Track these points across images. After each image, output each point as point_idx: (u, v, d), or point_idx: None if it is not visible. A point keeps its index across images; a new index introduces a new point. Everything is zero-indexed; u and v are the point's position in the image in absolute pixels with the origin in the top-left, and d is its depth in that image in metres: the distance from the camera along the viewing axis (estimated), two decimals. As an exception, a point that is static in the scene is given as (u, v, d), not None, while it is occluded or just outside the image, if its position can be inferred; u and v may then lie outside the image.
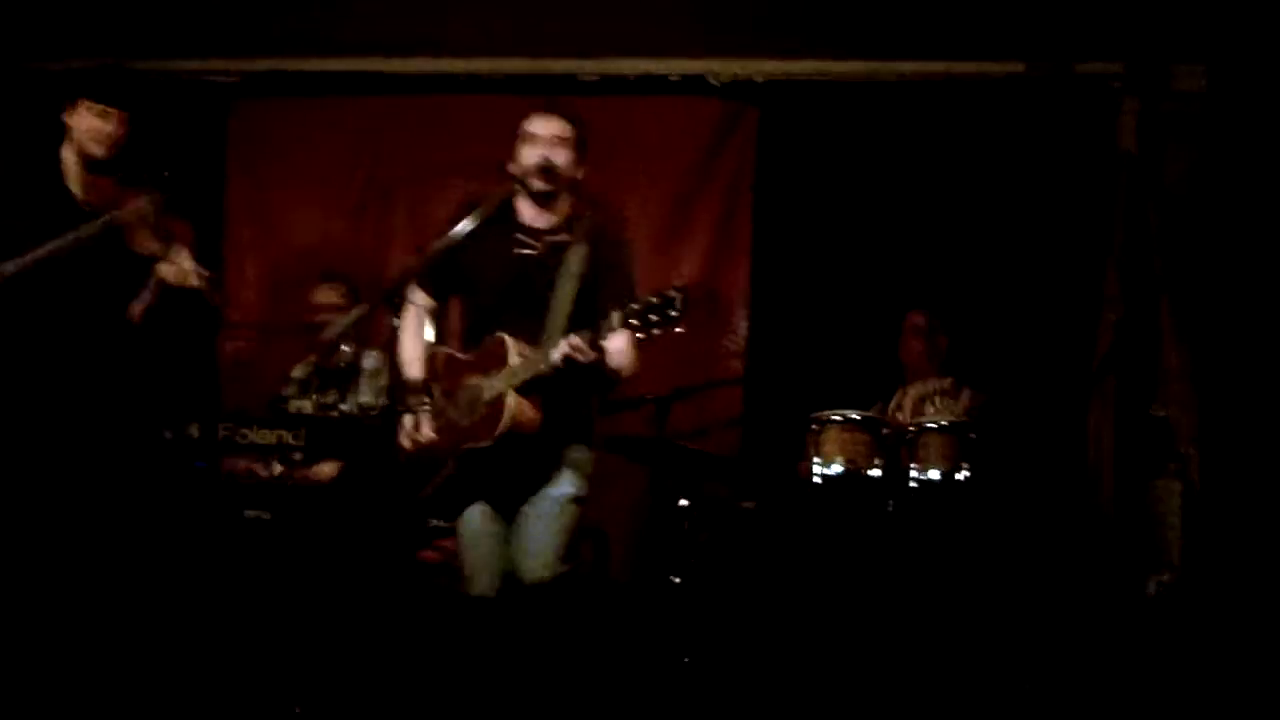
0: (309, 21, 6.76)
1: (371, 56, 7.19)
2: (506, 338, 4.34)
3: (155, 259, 4.67)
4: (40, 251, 4.49)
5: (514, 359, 4.29)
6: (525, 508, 4.47)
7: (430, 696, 4.80)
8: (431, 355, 4.63)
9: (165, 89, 7.00)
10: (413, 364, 4.61)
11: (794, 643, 5.40)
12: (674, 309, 3.90)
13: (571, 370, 4.18)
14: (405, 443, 4.53)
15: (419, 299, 4.65)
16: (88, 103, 4.66)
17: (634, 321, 3.95)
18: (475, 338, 4.54)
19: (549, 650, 4.39)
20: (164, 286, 4.69)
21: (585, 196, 4.66)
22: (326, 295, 6.29)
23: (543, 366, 4.19)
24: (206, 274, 4.69)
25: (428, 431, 4.48)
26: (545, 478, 4.48)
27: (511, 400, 4.25)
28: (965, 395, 6.21)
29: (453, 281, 4.64)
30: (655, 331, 3.96)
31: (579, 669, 4.55)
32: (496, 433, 4.25)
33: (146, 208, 4.60)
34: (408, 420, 4.52)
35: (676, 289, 3.93)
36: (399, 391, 4.67)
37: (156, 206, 4.64)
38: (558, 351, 4.14)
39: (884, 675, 5.20)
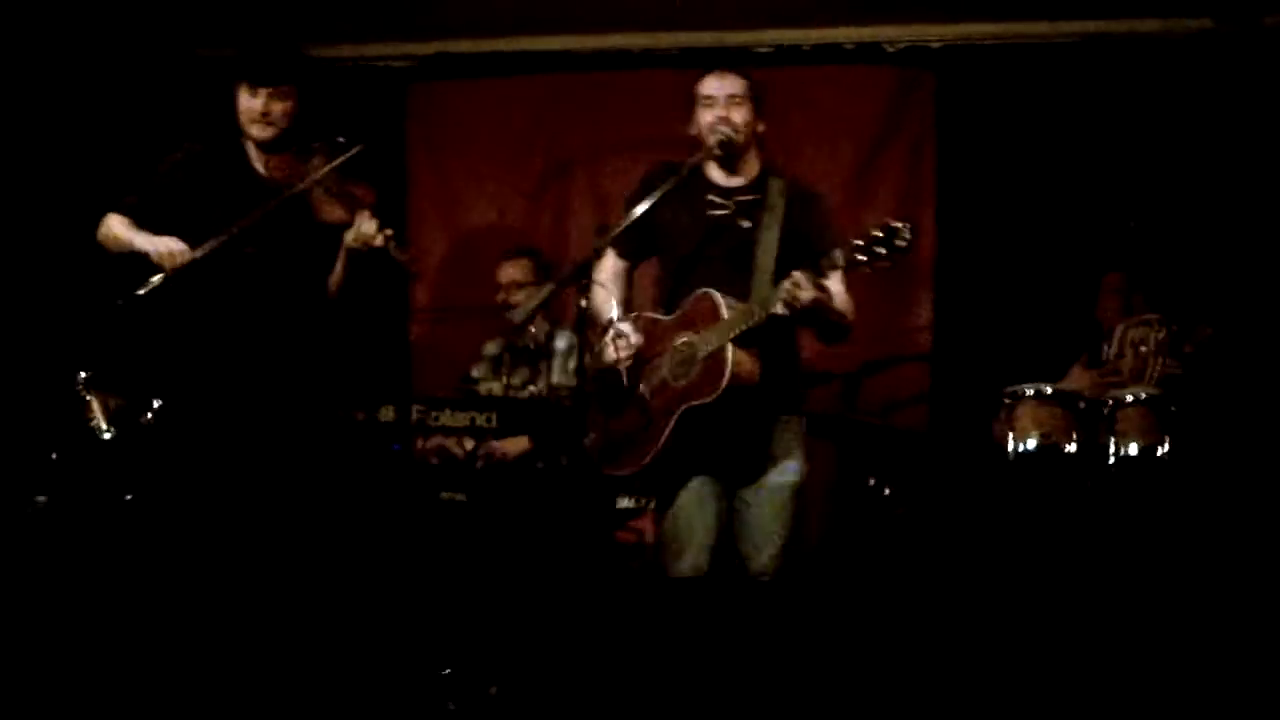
0: (480, 3, 6.80)
1: (544, 35, 7.23)
2: (715, 294, 4.27)
3: (343, 226, 4.67)
4: (231, 229, 4.53)
5: (725, 312, 4.22)
6: (749, 493, 4.42)
7: (633, 682, 4.80)
8: (634, 319, 4.52)
9: (340, 75, 7.10)
10: (611, 307, 4.48)
11: (989, 625, 5.30)
12: (900, 238, 3.83)
13: (795, 314, 4.11)
14: (618, 355, 4.39)
15: (610, 262, 4.57)
16: (244, 85, 4.65)
17: (860, 256, 3.90)
18: (674, 301, 4.46)
19: (764, 641, 4.36)
20: (351, 253, 4.68)
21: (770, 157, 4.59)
22: (512, 272, 6.28)
23: (761, 314, 4.12)
24: (389, 233, 4.65)
25: (637, 337, 4.39)
26: (765, 445, 4.41)
27: (731, 352, 4.17)
28: (1168, 331, 6.00)
29: (646, 246, 4.57)
30: (885, 264, 3.89)
31: (785, 657, 4.51)
32: (721, 385, 4.16)
33: (326, 173, 4.61)
34: (619, 331, 4.38)
35: (898, 220, 3.88)
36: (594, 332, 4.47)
37: (336, 172, 4.62)
38: (783, 292, 4.06)
39: (1083, 660, 5.10)
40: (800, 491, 4.46)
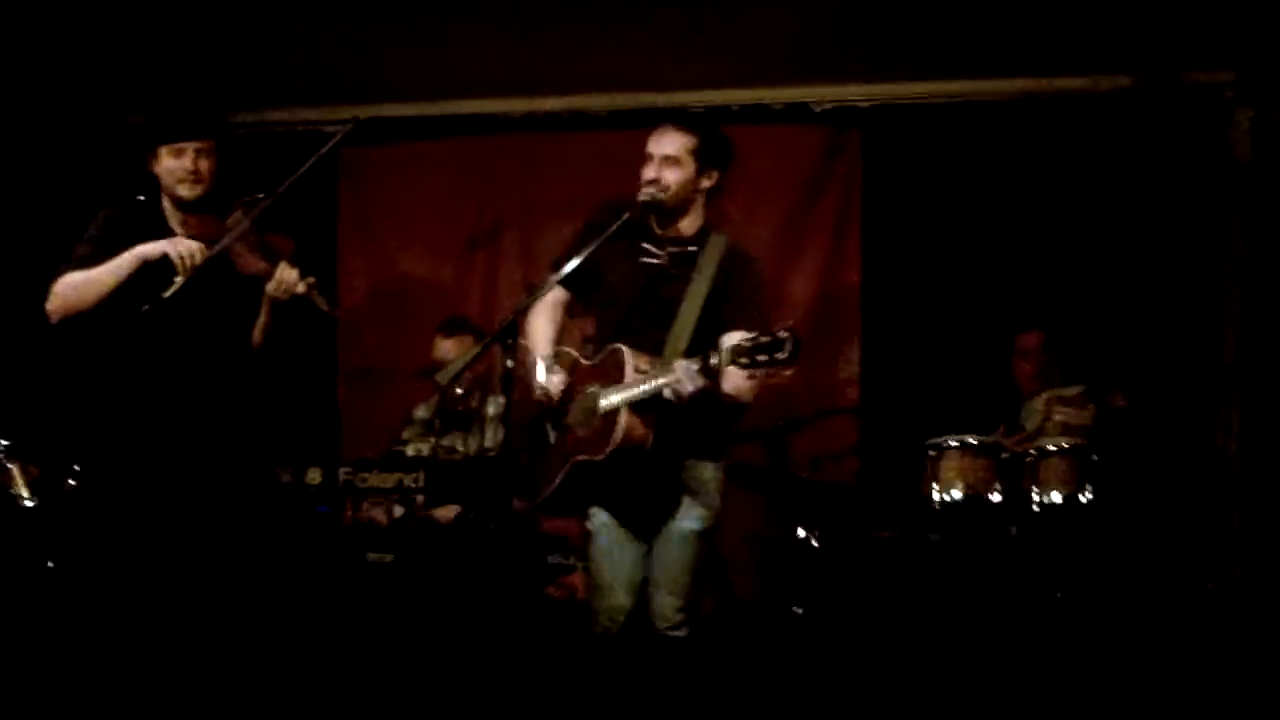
0: (411, 66, 6.85)
1: (474, 98, 7.27)
2: (625, 350, 4.26)
3: (264, 278, 4.65)
4: (220, 246, 4.53)
5: (630, 374, 4.22)
6: (657, 540, 4.43)
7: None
8: (559, 355, 4.53)
9: (270, 140, 7.12)
10: (543, 342, 4.52)
11: (919, 670, 5.32)
12: (781, 351, 3.81)
13: (686, 398, 4.10)
14: (537, 391, 4.43)
15: (556, 294, 4.58)
16: (168, 146, 4.66)
17: (743, 360, 3.89)
18: (601, 345, 4.47)
19: (679, 692, 4.35)
20: (275, 303, 4.68)
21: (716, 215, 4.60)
22: (450, 347, 6.22)
23: (651, 389, 4.12)
24: (312, 280, 4.65)
25: (557, 382, 4.41)
26: (667, 498, 4.41)
27: (624, 417, 4.18)
28: (1091, 408, 6.08)
29: (587, 284, 4.56)
30: (765, 371, 3.90)
31: (706, 702, 4.51)
32: (607, 449, 4.19)
33: (245, 227, 4.61)
34: (540, 370, 4.42)
35: (786, 330, 3.82)
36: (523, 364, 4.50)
37: (255, 225, 4.61)
38: (672, 379, 4.06)
39: (1013, 703, 5.12)
40: (705, 536, 4.45)
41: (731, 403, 4.31)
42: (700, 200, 4.51)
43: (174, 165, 4.65)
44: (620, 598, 4.41)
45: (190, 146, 4.65)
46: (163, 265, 4.51)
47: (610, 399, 4.24)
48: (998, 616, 5.38)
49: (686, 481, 4.44)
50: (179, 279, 4.47)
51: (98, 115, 7.19)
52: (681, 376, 4.05)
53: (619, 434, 4.18)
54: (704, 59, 6.75)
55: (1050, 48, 6.48)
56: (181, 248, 4.51)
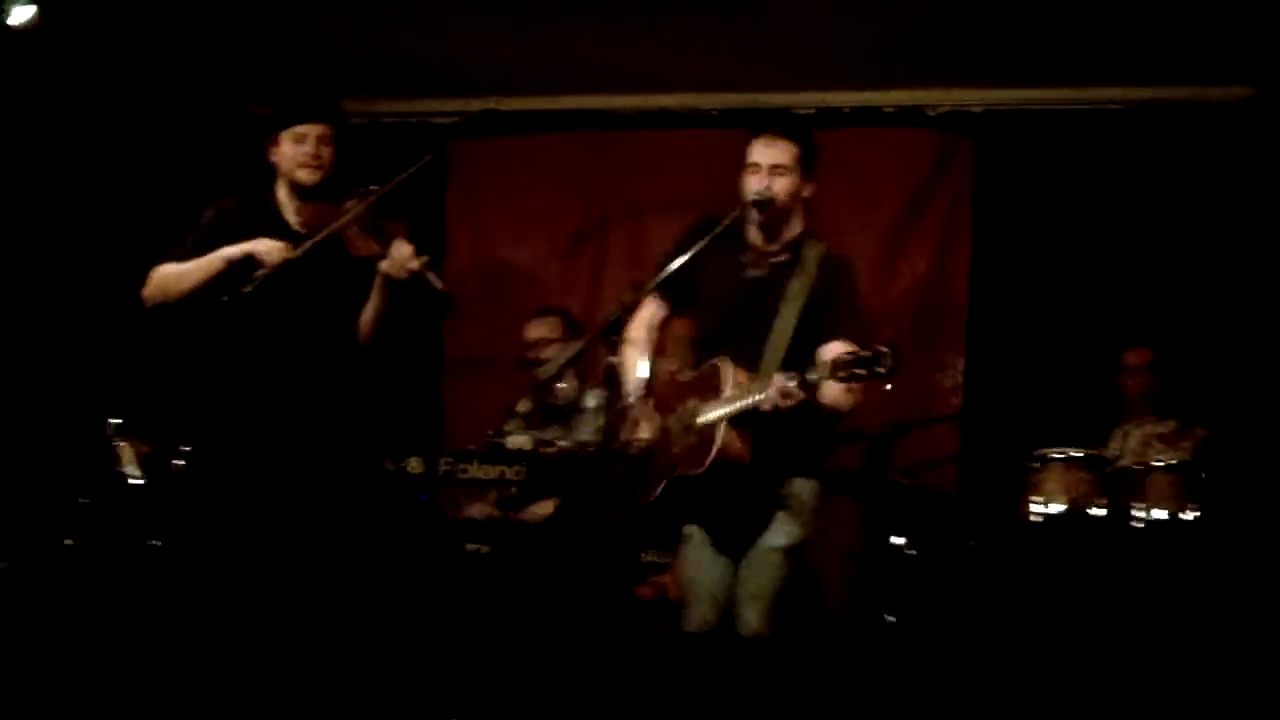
0: (522, 61, 6.88)
1: (584, 94, 7.31)
2: (723, 364, 4.29)
3: (377, 260, 4.71)
4: (317, 237, 4.61)
5: (728, 389, 4.24)
6: (746, 555, 4.42)
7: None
8: (655, 370, 4.57)
9: (381, 131, 7.20)
10: (640, 368, 4.55)
11: (1013, 687, 5.26)
12: (880, 365, 3.80)
13: (781, 410, 4.08)
14: (626, 438, 4.48)
15: (654, 309, 4.62)
16: (286, 131, 4.74)
17: (841, 374, 3.88)
18: (699, 358, 4.50)
19: (765, 697, 4.34)
20: (389, 282, 4.73)
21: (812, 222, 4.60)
22: (540, 330, 6.35)
23: (750, 403, 4.13)
24: (426, 258, 4.69)
25: (645, 434, 4.46)
26: (761, 515, 4.41)
27: (721, 432, 4.20)
28: (1190, 439, 5.99)
29: (686, 296, 4.59)
30: (860, 385, 3.91)
31: (797, 709, 4.50)
32: (705, 463, 4.21)
33: (360, 210, 4.66)
34: (631, 416, 4.48)
35: (885, 345, 3.82)
36: (619, 399, 4.56)
37: (370, 209, 4.67)
38: (768, 395, 4.06)
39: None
40: (794, 553, 4.44)
41: (830, 414, 4.31)
42: (799, 209, 4.52)
43: (295, 151, 4.73)
44: (705, 612, 4.44)
45: (312, 132, 4.73)
46: (248, 264, 4.60)
47: (708, 414, 4.27)
48: (1090, 630, 5.30)
49: (782, 497, 4.44)
50: (260, 273, 4.55)
51: (211, 105, 7.32)
52: (775, 393, 4.04)
53: (715, 448, 4.20)
54: (815, 60, 6.75)
55: (1168, 57, 6.39)
56: (264, 246, 4.58)
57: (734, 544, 4.44)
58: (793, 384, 4.02)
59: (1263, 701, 5.04)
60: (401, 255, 4.66)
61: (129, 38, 6.54)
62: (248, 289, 4.54)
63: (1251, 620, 5.28)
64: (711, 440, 4.22)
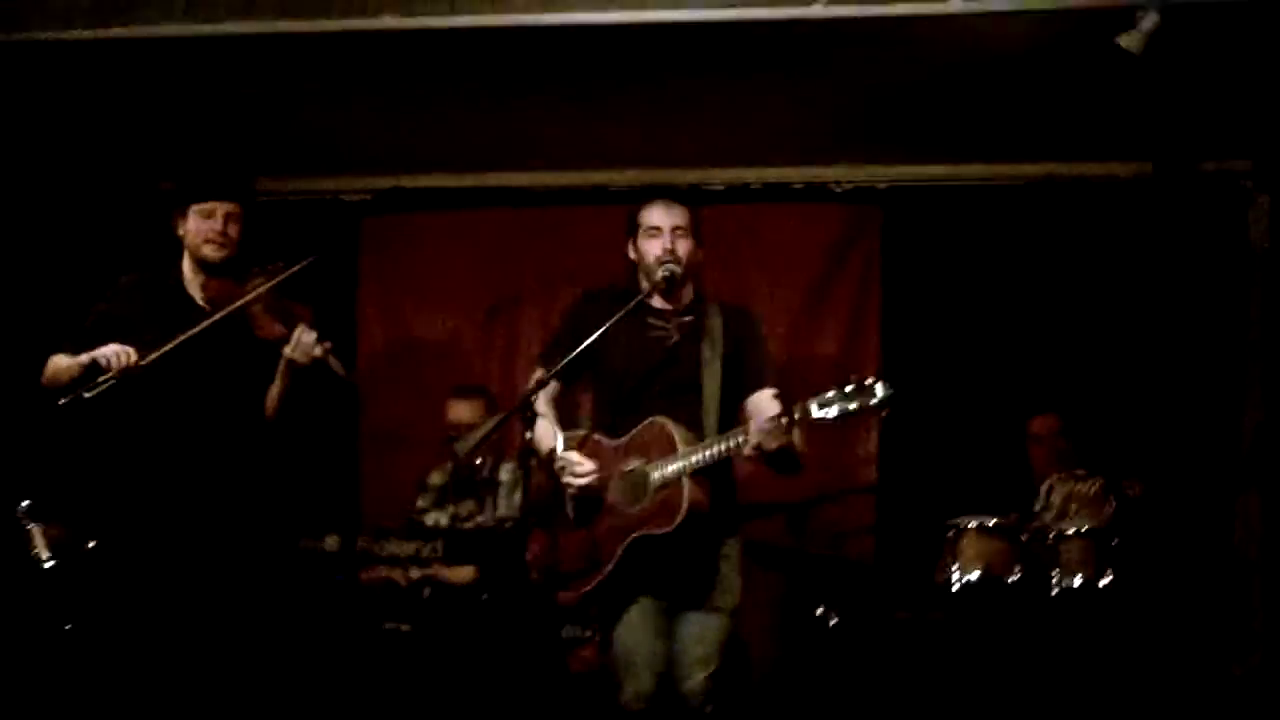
0: (433, 139, 6.88)
1: (497, 171, 7.32)
2: (667, 423, 4.29)
3: (281, 342, 4.66)
4: (166, 347, 4.52)
5: (680, 443, 4.24)
6: (687, 616, 4.39)
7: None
8: (577, 441, 4.50)
9: (292, 209, 7.17)
10: (553, 436, 4.46)
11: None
12: (874, 396, 3.83)
13: (764, 454, 4.09)
14: (572, 482, 4.40)
15: (549, 387, 4.55)
16: (194, 206, 4.69)
17: (832, 411, 3.89)
18: (616, 424, 4.46)
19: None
20: (292, 367, 4.66)
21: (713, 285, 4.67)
22: (462, 411, 6.30)
23: (723, 452, 4.14)
24: (328, 345, 4.64)
25: (589, 464, 4.39)
26: (710, 569, 4.39)
27: (688, 485, 4.19)
28: (1111, 500, 6.06)
29: (579, 368, 4.53)
30: (851, 419, 3.91)
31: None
32: (679, 518, 4.18)
33: (265, 290, 4.62)
34: (568, 460, 4.39)
35: (871, 377, 3.86)
36: (542, 467, 4.50)
37: (276, 290, 4.63)
38: (753, 437, 4.07)
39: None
40: (735, 614, 4.44)
41: (799, 459, 4.29)
42: (691, 274, 4.54)
43: (203, 226, 4.68)
44: (644, 682, 4.35)
45: (221, 209, 4.68)
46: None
47: (666, 470, 4.25)
48: (1015, 698, 5.35)
49: (721, 556, 4.43)
50: (104, 378, 4.46)
51: (119, 180, 7.23)
52: (760, 436, 4.05)
53: (685, 503, 4.18)
54: (723, 137, 6.80)
55: (1069, 134, 6.54)
56: (109, 351, 4.49)
57: (681, 601, 4.40)
58: (778, 425, 4.03)
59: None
60: (304, 342, 4.63)
61: (38, 114, 6.47)
62: (89, 394, 4.45)
63: (1168, 680, 5.37)
64: (679, 496, 4.20)
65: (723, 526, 4.42)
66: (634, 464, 4.35)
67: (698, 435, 4.28)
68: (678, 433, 4.27)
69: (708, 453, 4.18)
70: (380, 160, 7.20)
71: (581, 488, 4.39)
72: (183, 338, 4.52)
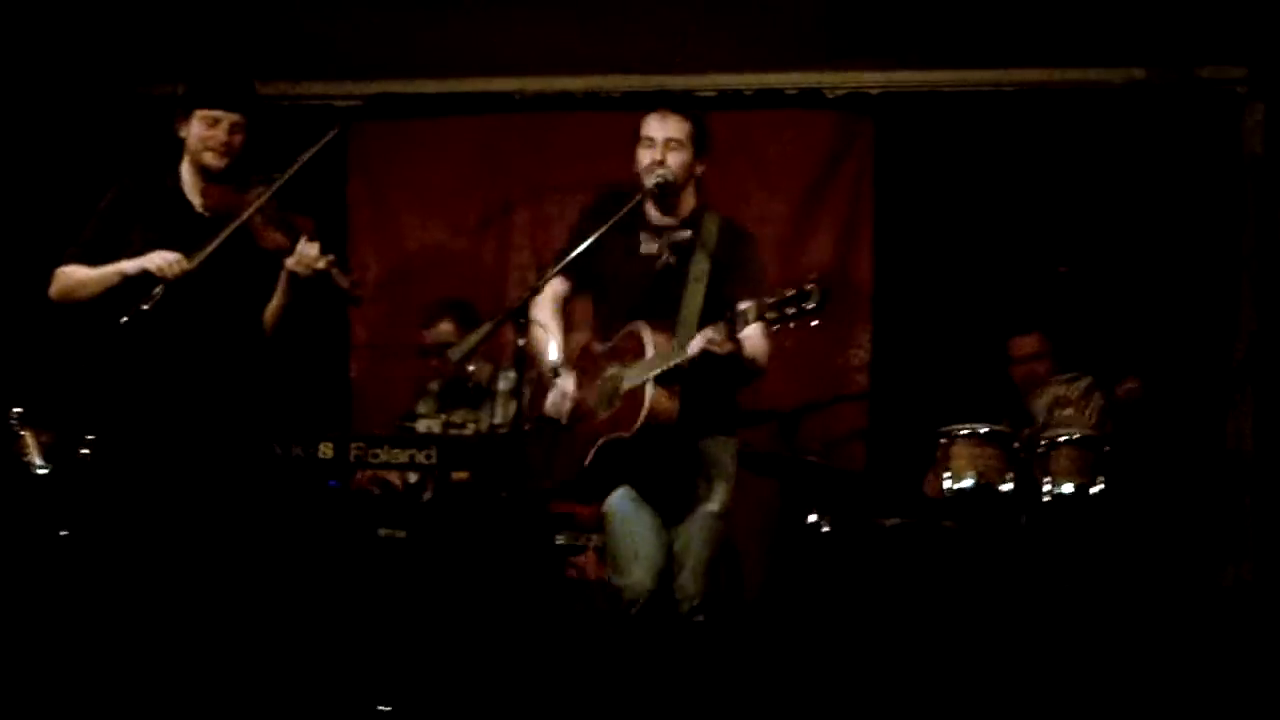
0: (425, 43, 6.83)
1: (486, 76, 7.25)
2: (641, 329, 4.36)
3: (283, 253, 4.65)
4: (208, 248, 4.54)
5: (650, 350, 4.30)
6: (683, 520, 4.45)
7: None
8: (567, 346, 4.64)
9: (280, 113, 7.08)
10: (552, 348, 4.59)
11: (927, 661, 5.33)
12: (810, 301, 3.89)
13: (709, 362, 4.16)
14: (557, 406, 4.53)
15: (557, 286, 4.67)
16: (199, 112, 4.67)
17: (770, 315, 3.96)
18: (609, 331, 4.56)
19: (699, 675, 4.39)
20: (293, 278, 4.67)
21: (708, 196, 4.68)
22: (437, 335, 6.31)
23: (679, 359, 4.19)
24: (332, 257, 4.66)
25: (566, 406, 4.51)
26: (690, 477, 4.46)
27: (650, 391, 4.25)
28: (1097, 399, 6.08)
29: (586, 276, 4.65)
30: (792, 324, 3.97)
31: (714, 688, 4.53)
32: (637, 424, 4.26)
33: (265, 198, 4.60)
34: (558, 383, 4.53)
35: (813, 281, 3.92)
36: (532, 379, 4.64)
37: (276, 202, 4.63)
38: (695, 344, 4.14)
39: (1018, 697, 5.13)
40: (724, 517, 4.51)
41: (752, 368, 4.40)
42: (693, 184, 4.60)
43: (207, 133, 4.66)
44: (642, 576, 4.41)
45: (226, 118, 4.67)
46: (146, 276, 4.53)
47: (633, 377, 4.31)
48: (1005, 607, 5.38)
49: (708, 460, 4.50)
50: (158, 289, 4.48)
51: (110, 86, 7.15)
52: (701, 340, 4.11)
53: (646, 408, 4.24)
54: (717, 42, 6.76)
55: (1064, 39, 6.50)
56: (160, 260, 4.51)
57: (667, 507, 4.47)
58: (719, 334, 4.09)
59: (1165, 676, 5.16)
60: (307, 254, 4.62)
61: (25, 19, 6.39)
62: (146, 306, 4.47)
63: (1158, 588, 5.41)
64: (641, 402, 4.26)
65: (701, 429, 4.45)
66: (611, 369, 4.44)
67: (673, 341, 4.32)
68: (650, 340, 4.32)
69: (669, 360, 4.22)
70: (369, 65, 7.10)
71: (566, 414, 4.52)
72: (218, 240, 4.53)
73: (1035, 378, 6.28)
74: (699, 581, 4.41)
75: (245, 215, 4.57)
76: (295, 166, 4.66)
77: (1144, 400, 5.95)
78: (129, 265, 4.55)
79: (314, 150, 4.71)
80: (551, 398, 4.57)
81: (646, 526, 4.46)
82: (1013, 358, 6.37)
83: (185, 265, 4.51)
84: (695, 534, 4.44)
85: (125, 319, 4.48)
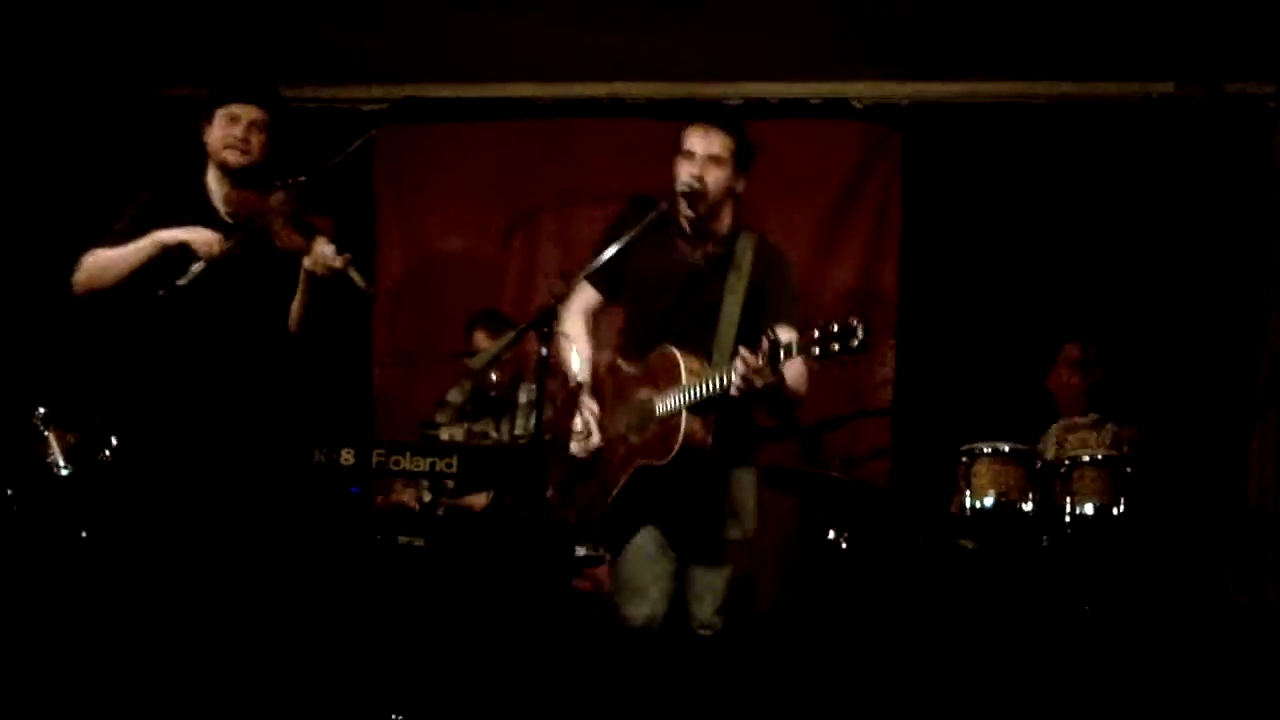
0: (453, 48, 6.83)
1: (514, 81, 7.25)
2: (676, 351, 4.28)
3: (302, 254, 4.66)
4: (196, 266, 4.55)
5: (684, 375, 4.22)
6: (699, 548, 4.43)
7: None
8: (595, 363, 4.57)
9: (307, 117, 7.10)
10: (576, 361, 4.52)
11: (948, 680, 5.31)
12: (854, 338, 3.78)
13: (748, 392, 4.06)
14: (576, 449, 4.47)
15: (588, 296, 4.62)
16: (220, 111, 4.70)
17: (815, 350, 3.85)
18: (638, 348, 4.49)
19: (711, 689, 4.39)
20: (312, 278, 4.68)
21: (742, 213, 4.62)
22: (473, 343, 6.30)
23: (717, 386, 4.11)
24: (348, 256, 4.65)
25: (598, 439, 4.45)
26: (716, 504, 4.42)
27: (685, 420, 4.18)
28: (1109, 430, 6.02)
29: (617, 285, 4.60)
30: (835, 359, 3.86)
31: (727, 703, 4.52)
32: (673, 451, 4.18)
33: (285, 202, 4.62)
34: (578, 423, 4.46)
35: (856, 318, 3.80)
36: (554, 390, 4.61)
37: (295, 201, 4.64)
38: (737, 375, 4.03)
39: (1038, 714, 5.11)
40: (744, 545, 4.48)
41: (793, 399, 4.35)
42: (731, 202, 4.53)
43: (226, 132, 4.69)
44: (655, 605, 4.40)
45: (246, 115, 4.70)
46: (183, 251, 4.55)
47: (669, 403, 4.25)
48: (1026, 626, 5.36)
49: (732, 488, 4.47)
50: (196, 266, 4.51)
51: (135, 89, 7.18)
52: (746, 370, 4.01)
53: (682, 436, 4.18)
54: (744, 51, 6.74)
55: (1094, 52, 6.48)
56: (200, 236, 4.53)
57: (687, 537, 4.44)
58: (761, 363, 3.99)
59: (1190, 697, 5.14)
60: (322, 254, 4.63)
61: (53, 21, 6.41)
62: (184, 282, 4.49)
63: (1177, 609, 5.39)
64: (676, 429, 4.20)
65: (732, 460, 4.42)
66: (644, 393, 4.37)
67: (708, 367, 4.27)
68: (684, 363, 4.25)
69: (700, 389, 4.16)
70: (397, 69, 7.13)
71: (586, 453, 4.46)
72: (252, 226, 4.57)
73: (1085, 383, 6.20)
74: (714, 612, 4.43)
75: (270, 214, 4.61)
76: (321, 171, 4.69)
77: (1146, 445, 5.91)
78: (166, 235, 4.57)
79: (340, 158, 4.72)
80: (577, 425, 4.49)
81: (661, 554, 4.43)
82: (1067, 361, 6.26)
83: (223, 245, 4.54)
84: (712, 563, 4.44)
85: (162, 293, 4.51)
